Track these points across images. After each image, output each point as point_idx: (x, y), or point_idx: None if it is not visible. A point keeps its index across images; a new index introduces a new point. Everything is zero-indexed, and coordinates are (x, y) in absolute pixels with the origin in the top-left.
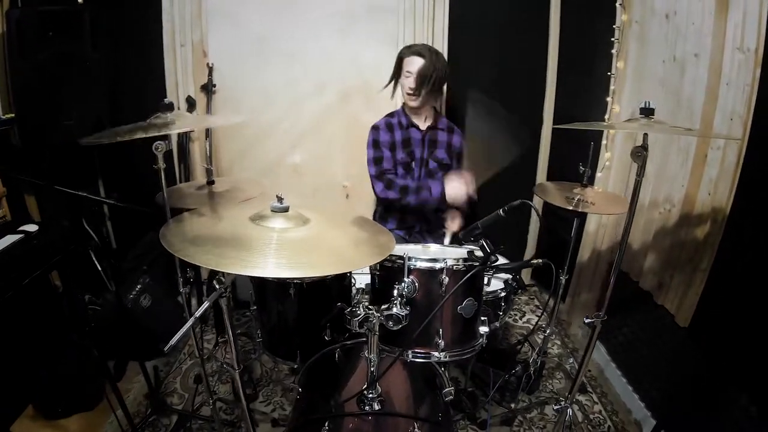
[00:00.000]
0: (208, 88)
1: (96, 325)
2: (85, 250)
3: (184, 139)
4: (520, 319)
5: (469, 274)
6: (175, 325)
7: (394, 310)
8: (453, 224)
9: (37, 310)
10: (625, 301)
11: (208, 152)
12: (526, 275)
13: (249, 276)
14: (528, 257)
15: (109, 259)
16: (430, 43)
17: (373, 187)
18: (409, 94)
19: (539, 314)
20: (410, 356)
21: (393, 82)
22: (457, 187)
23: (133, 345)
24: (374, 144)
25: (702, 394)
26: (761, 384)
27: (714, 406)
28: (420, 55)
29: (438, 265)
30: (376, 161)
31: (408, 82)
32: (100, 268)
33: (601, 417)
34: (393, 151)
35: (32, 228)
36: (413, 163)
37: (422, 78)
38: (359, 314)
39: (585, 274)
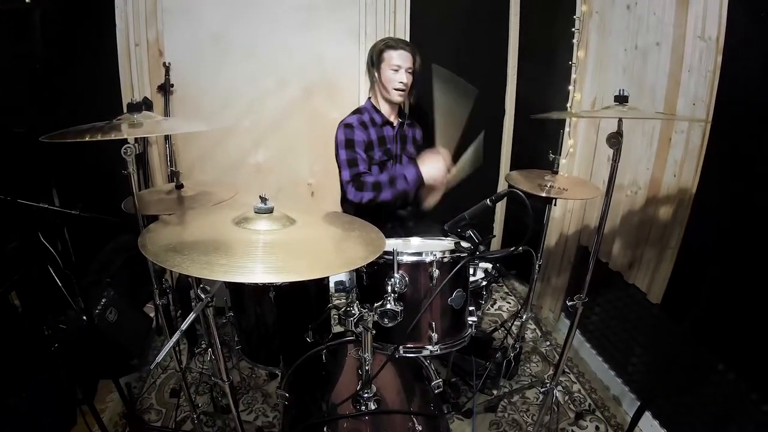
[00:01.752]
0: (165, 89)
1: (62, 345)
2: (44, 267)
3: (143, 143)
4: (492, 307)
5: (459, 265)
6: (145, 337)
7: (389, 306)
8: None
9: None
10: (596, 282)
11: (168, 155)
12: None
13: (226, 282)
14: (496, 246)
15: (70, 274)
16: (392, 35)
17: (346, 194)
18: (399, 90)
19: (510, 301)
20: (401, 352)
21: (372, 79)
22: (434, 166)
23: (104, 362)
24: (347, 144)
25: (679, 365)
26: (737, 351)
27: (693, 375)
28: (409, 50)
29: (428, 258)
30: (350, 163)
31: (398, 76)
32: (60, 285)
33: (581, 395)
34: (369, 150)
35: None
36: (389, 161)
37: (413, 75)
38: (354, 314)
39: (554, 258)
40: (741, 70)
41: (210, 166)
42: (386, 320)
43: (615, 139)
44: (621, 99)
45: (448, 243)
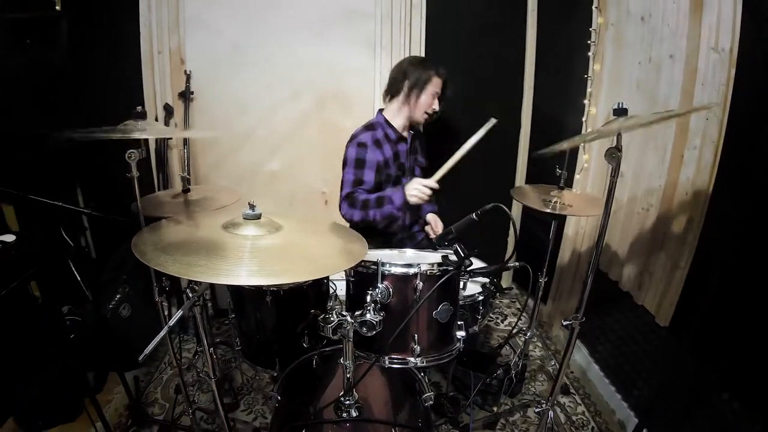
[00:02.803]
0: (185, 96)
1: (76, 337)
2: (64, 261)
3: (163, 147)
4: (502, 323)
5: (442, 279)
6: (156, 334)
7: (368, 316)
8: (437, 229)
9: (16, 322)
10: (606, 302)
11: (185, 160)
12: (507, 278)
13: (226, 284)
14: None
15: (89, 269)
16: (407, 48)
17: (339, 208)
18: (429, 114)
19: (522, 317)
20: (386, 362)
21: (406, 94)
22: (416, 190)
23: (114, 355)
24: (357, 164)
25: (684, 392)
26: (743, 380)
27: (696, 403)
28: (445, 75)
29: (412, 270)
30: (354, 183)
31: (434, 103)
32: (79, 279)
33: (585, 418)
34: (385, 169)
35: (9, 238)
36: (403, 176)
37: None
38: (332, 321)
39: (566, 276)
40: (754, 83)
41: (226, 173)
42: (365, 330)
43: (614, 154)
44: (620, 112)
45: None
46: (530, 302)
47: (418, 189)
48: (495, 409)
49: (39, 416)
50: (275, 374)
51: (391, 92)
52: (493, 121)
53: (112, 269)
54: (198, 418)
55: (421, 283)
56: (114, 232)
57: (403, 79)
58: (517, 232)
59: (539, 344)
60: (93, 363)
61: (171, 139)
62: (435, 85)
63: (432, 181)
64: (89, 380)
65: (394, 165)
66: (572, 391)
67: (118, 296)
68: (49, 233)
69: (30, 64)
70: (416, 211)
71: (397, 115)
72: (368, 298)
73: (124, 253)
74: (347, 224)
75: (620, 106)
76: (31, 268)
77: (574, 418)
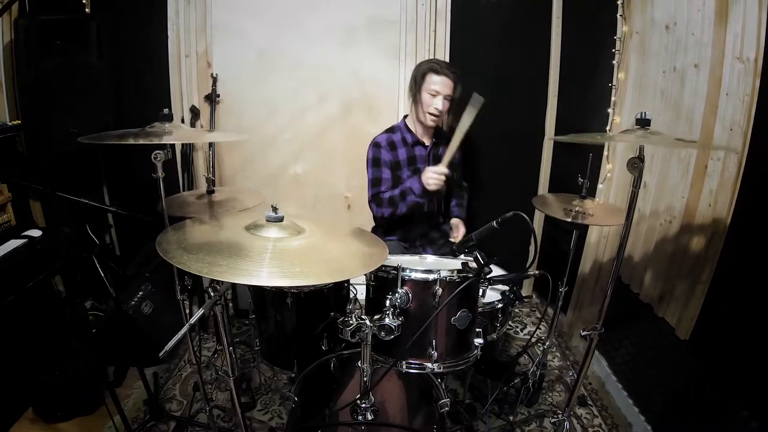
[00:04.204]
0: (211, 98)
1: (98, 331)
2: (89, 257)
3: (188, 148)
4: (521, 331)
5: (461, 286)
6: (176, 332)
7: (386, 320)
8: (458, 234)
9: (40, 315)
10: (626, 313)
11: (210, 162)
12: (527, 287)
13: (248, 285)
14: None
15: (112, 266)
16: (431, 55)
17: (372, 211)
18: (433, 115)
19: (542, 327)
20: (404, 367)
21: (412, 97)
22: (431, 176)
23: (134, 351)
24: (374, 162)
25: (703, 407)
26: (762, 398)
27: (715, 420)
28: (452, 77)
29: (431, 277)
30: (374, 183)
31: (435, 102)
32: (102, 275)
33: (601, 430)
34: (395, 170)
35: (36, 233)
36: None
37: (451, 102)
38: (351, 324)
39: (587, 286)
40: None
41: (251, 175)
42: (383, 334)
43: (636, 164)
44: (643, 122)
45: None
46: (549, 311)
47: (432, 177)
48: (511, 418)
49: (58, 407)
50: (293, 375)
51: (411, 98)
52: (478, 98)
53: (136, 267)
54: (215, 415)
55: (440, 289)
56: (138, 230)
57: (412, 82)
58: (538, 241)
59: (558, 354)
60: (114, 357)
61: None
62: (433, 82)
63: (442, 167)
64: (109, 374)
65: (408, 168)
66: (590, 402)
67: (140, 293)
68: (74, 230)
69: (60, 64)
70: (438, 217)
71: (415, 120)
72: (387, 303)
73: (147, 251)
74: (370, 227)
75: (643, 116)
76: (57, 263)
77: (590, 430)
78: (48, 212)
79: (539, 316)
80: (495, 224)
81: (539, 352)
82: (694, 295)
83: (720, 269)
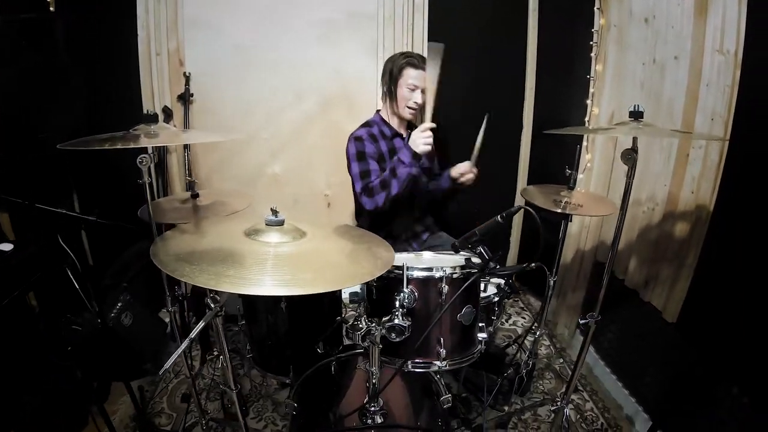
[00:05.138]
0: (185, 98)
1: (77, 346)
2: (62, 269)
3: (162, 151)
4: (506, 322)
5: (468, 282)
6: (158, 342)
7: (396, 321)
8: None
9: (15, 333)
10: (612, 299)
11: (187, 164)
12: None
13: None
14: (511, 261)
15: (88, 277)
16: (409, 49)
17: (362, 205)
18: (411, 109)
19: (525, 316)
20: (410, 366)
21: (386, 91)
22: (418, 137)
23: (117, 365)
24: (359, 156)
25: (693, 387)
26: (752, 375)
27: (706, 398)
28: (426, 69)
29: (437, 274)
30: (362, 175)
31: (415, 96)
32: (78, 287)
33: (594, 414)
34: (381, 162)
35: (7, 247)
36: None
37: (432, 94)
38: (361, 328)
39: (570, 274)
40: (760, 85)
41: (228, 176)
42: (394, 335)
43: (630, 156)
44: (636, 115)
45: (459, 258)
46: (532, 299)
47: (420, 138)
48: (506, 408)
49: (41, 428)
50: (288, 381)
51: (383, 90)
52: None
53: (112, 276)
54: (210, 427)
55: (446, 286)
56: (113, 239)
57: (386, 75)
58: (542, 233)
59: (545, 342)
60: (96, 373)
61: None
62: (411, 77)
63: (425, 125)
64: (93, 391)
65: (391, 161)
66: (580, 388)
67: (119, 304)
68: (47, 241)
69: (26, 66)
70: (420, 211)
71: (390, 113)
72: (396, 303)
73: (124, 260)
74: (356, 222)
75: (636, 108)
76: (31, 277)
77: (584, 414)
78: (17, 224)
79: (522, 306)
80: (499, 219)
81: (528, 342)
82: (679, 279)
83: (705, 252)
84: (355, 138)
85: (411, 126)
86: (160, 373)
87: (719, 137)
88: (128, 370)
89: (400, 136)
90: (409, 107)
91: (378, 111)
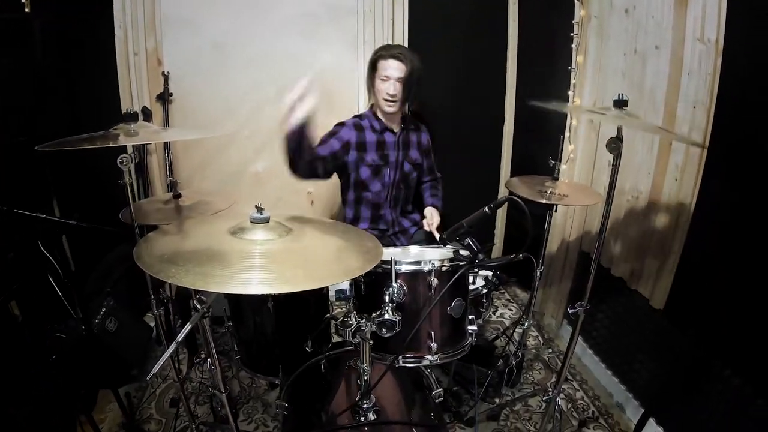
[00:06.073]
0: (164, 98)
1: (62, 354)
2: (44, 276)
3: (142, 152)
4: (494, 314)
5: (458, 274)
6: (144, 347)
7: (386, 316)
8: (432, 222)
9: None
10: (598, 288)
11: (168, 164)
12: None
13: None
14: (497, 254)
15: (71, 283)
16: (390, 43)
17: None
18: (387, 101)
19: (512, 308)
20: (401, 362)
21: (368, 87)
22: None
23: (103, 372)
24: (329, 133)
25: (684, 371)
26: (742, 356)
27: (698, 381)
28: (400, 58)
29: (426, 267)
30: (319, 143)
31: (386, 87)
32: (60, 294)
33: (585, 403)
34: (360, 151)
35: None
36: (385, 167)
37: (405, 84)
38: (352, 324)
39: (555, 264)
40: (741, 72)
41: (209, 175)
42: (384, 330)
43: (615, 144)
44: (620, 104)
45: (447, 251)
46: (518, 291)
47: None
48: (497, 400)
49: None
50: (277, 381)
51: (366, 87)
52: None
53: (95, 282)
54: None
55: (435, 279)
56: (94, 243)
57: (367, 72)
58: (530, 224)
59: (533, 333)
60: (82, 381)
61: (150, 143)
62: (383, 68)
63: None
64: (80, 399)
65: (375, 153)
66: (569, 377)
67: (103, 310)
68: (27, 248)
69: (1, 68)
70: (407, 206)
71: (376, 108)
72: (386, 298)
73: (106, 264)
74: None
75: (621, 97)
76: (12, 285)
77: (575, 403)
78: None
79: (509, 297)
80: (487, 209)
81: (516, 334)
82: (666, 265)
83: (690, 239)
84: (338, 123)
85: (405, 122)
86: (148, 378)
87: (698, 143)
88: (115, 377)
89: (391, 131)
90: (385, 99)
91: (372, 105)
